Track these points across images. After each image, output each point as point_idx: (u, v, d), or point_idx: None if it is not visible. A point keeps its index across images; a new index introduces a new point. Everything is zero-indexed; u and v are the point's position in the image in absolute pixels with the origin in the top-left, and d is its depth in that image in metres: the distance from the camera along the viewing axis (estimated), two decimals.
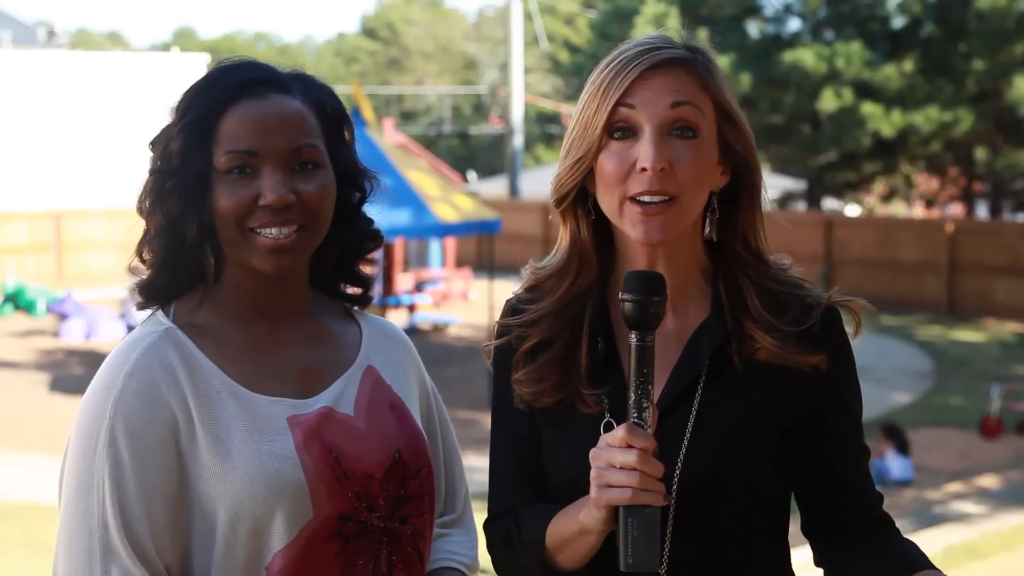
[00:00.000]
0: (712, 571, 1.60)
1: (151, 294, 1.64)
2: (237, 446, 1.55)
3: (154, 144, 1.64)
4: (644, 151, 1.54)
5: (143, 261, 1.64)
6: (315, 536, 1.57)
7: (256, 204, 1.58)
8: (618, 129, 1.57)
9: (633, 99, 1.56)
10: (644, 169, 1.54)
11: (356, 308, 1.78)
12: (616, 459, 1.45)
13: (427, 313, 19.40)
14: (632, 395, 1.47)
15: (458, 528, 1.84)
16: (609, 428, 1.51)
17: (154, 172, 1.62)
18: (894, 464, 10.08)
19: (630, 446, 1.44)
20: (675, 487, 1.55)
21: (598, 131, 1.57)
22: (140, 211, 1.64)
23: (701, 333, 1.62)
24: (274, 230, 1.58)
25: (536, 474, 1.68)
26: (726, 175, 1.63)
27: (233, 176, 1.58)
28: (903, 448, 10.24)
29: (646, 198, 1.55)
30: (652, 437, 1.46)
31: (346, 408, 1.65)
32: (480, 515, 1.79)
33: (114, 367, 1.58)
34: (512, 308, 1.71)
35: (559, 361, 1.63)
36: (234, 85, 1.60)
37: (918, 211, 29.60)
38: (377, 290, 17.76)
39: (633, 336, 1.46)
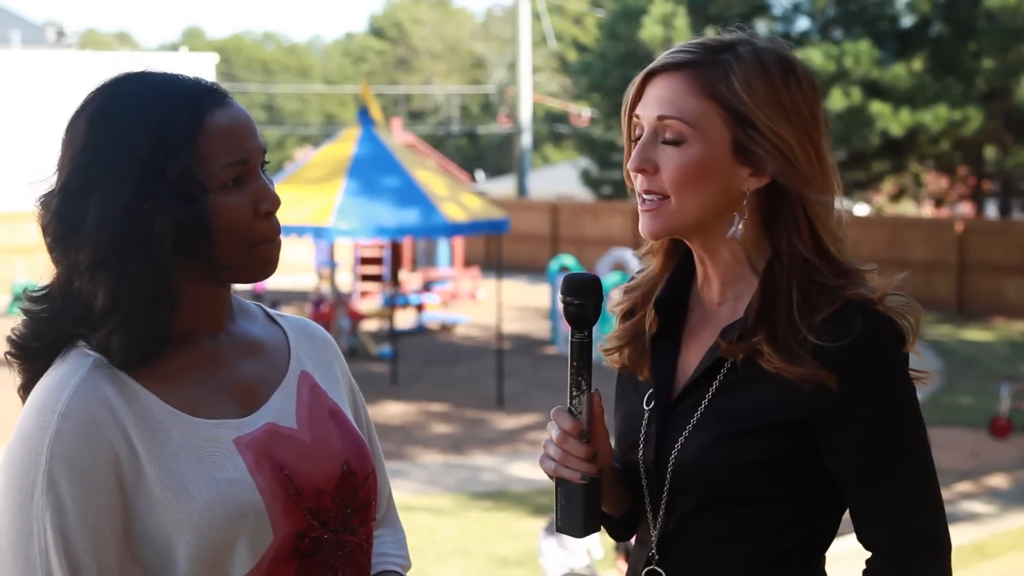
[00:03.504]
0: (694, 556, 1.65)
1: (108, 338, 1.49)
2: (189, 476, 1.48)
3: (124, 181, 1.46)
4: (633, 154, 1.65)
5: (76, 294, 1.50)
6: (277, 558, 1.52)
7: (253, 213, 1.53)
8: (637, 138, 1.68)
9: (638, 108, 1.67)
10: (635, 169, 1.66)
11: (273, 310, 1.74)
12: (552, 435, 1.63)
13: (435, 312, 19.41)
14: (568, 383, 1.62)
15: (385, 528, 1.80)
16: (649, 401, 1.69)
17: (139, 213, 1.46)
18: None
19: (559, 427, 1.62)
20: (670, 469, 1.65)
21: (625, 137, 1.70)
22: (97, 261, 1.47)
23: (729, 329, 1.66)
24: (275, 234, 1.56)
25: None
26: (758, 177, 1.63)
27: (229, 190, 1.51)
28: None
29: (643, 196, 1.65)
30: (577, 420, 1.61)
31: (288, 421, 1.60)
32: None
33: (45, 407, 1.46)
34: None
35: (633, 328, 1.76)
36: (204, 96, 1.52)
37: (927, 210, 29.52)
38: (386, 290, 17.70)
39: (572, 333, 1.61)
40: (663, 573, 1.67)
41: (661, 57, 1.67)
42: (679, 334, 1.73)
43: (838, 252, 1.66)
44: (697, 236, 1.67)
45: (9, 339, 1.56)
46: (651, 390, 1.71)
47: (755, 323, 1.61)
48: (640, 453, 1.70)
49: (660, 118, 1.62)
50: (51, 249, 1.53)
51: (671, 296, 1.74)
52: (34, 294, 1.57)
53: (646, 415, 1.70)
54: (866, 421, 1.57)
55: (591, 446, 1.61)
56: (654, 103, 1.64)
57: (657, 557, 1.67)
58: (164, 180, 1.47)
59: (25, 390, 1.55)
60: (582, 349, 1.60)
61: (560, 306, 1.62)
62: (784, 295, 1.60)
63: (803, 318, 1.58)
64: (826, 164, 1.66)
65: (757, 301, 1.62)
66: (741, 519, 1.61)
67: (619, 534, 1.80)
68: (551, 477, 1.63)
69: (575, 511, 1.61)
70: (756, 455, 1.59)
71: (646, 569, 1.68)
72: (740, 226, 1.64)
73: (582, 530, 1.62)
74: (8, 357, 1.56)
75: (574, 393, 1.61)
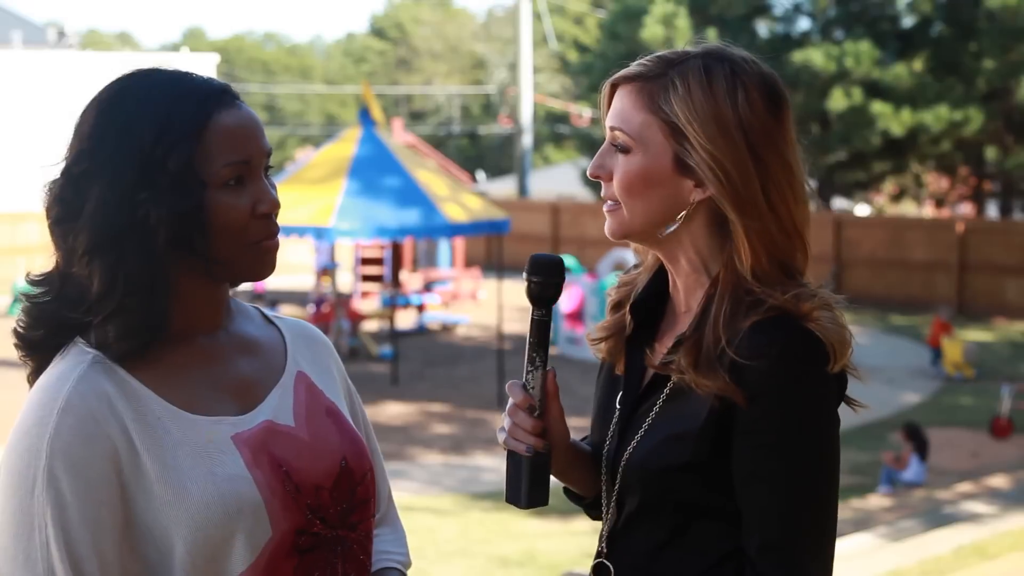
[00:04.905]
0: (636, 555, 1.69)
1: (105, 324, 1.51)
2: (188, 472, 1.49)
3: (124, 170, 1.49)
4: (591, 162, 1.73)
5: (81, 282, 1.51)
6: (276, 554, 1.53)
7: (251, 213, 1.55)
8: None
9: (606, 118, 1.73)
10: None
11: (270, 311, 1.76)
12: (507, 409, 1.69)
13: (436, 313, 19.41)
14: (525, 358, 1.68)
15: (385, 527, 1.81)
16: (621, 400, 1.73)
17: (136, 202, 1.49)
18: (910, 468, 10.04)
19: (511, 399, 1.67)
20: (621, 468, 1.69)
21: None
22: (93, 247, 1.49)
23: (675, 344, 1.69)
24: (271, 236, 1.58)
25: None
26: (702, 189, 1.64)
27: (229, 188, 1.54)
28: (923, 451, 10.18)
29: (604, 199, 1.71)
30: (528, 395, 1.67)
31: (286, 419, 1.61)
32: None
33: (44, 403, 1.48)
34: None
35: (618, 322, 1.79)
36: (211, 96, 1.55)
37: (928, 211, 29.52)
38: (387, 290, 17.66)
39: (532, 310, 1.67)
40: (610, 567, 1.72)
41: (615, 75, 1.72)
42: (654, 335, 1.75)
43: (779, 269, 1.63)
44: (652, 243, 1.71)
45: (14, 331, 1.59)
46: (621, 393, 1.75)
47: (688, 338, 1.63)
48: (604, 449, 1.75)
49: (611, 128, 1.69)
50: (52, 232, 1.55)
51: (648, 299, 1.77)
52: (36, 277, 1.59)
53: (616, 413, 1.74)
54: (766, 435, 1.57)
55: (541, 421, 1.67)
56: (610, 114, 1.70)
57: (605, 551, 1.73)
58: (163, 173, 1.50)
59: (32, 381, 1.58)
60: (540, 326, 1.67)
61: (534, 291, 1.67)
62: (716, 308, 1.62)
63: (727, 329, 1.59)
64: (775, 184, 1.63)
65: (697, 316, 1.65)
66: (679, 525, 1.65)
67: (593, 515, 1.85)
68: (504, 447, 1.69)
69: (520, 482, 1.67)
70: (689, 459, 1.61)
71: (595, 562, 1.74)
72: (673, 228, 1.67)
73: (525, 501, 1.68)
74: (15, 348, 1.59)
75: (528, 368, 1.67)
